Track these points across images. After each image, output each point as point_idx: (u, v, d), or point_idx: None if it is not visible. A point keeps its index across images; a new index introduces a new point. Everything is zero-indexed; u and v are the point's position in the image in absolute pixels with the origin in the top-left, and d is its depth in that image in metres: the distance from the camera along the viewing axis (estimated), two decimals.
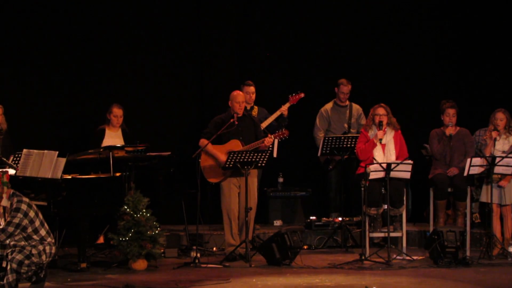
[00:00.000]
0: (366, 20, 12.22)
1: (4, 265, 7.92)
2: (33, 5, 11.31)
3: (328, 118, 11.36)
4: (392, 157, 9.89)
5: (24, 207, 7.97)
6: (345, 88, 11.26)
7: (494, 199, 9.77)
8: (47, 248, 7.97)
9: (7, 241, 7.96)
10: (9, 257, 7.89)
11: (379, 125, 9.95)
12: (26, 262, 7.87)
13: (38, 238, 7.93)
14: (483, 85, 12.06)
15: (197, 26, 12.00)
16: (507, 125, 9.98)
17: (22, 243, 7.95)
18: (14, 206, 7.94)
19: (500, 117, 9.95)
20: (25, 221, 7.92)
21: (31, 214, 7.99)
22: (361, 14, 12.23)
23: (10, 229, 7.88)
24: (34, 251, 7.89)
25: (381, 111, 9.99)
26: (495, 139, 9.92)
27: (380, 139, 9.93)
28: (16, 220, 7.89)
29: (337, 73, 11.66)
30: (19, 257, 7.86)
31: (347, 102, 11.37)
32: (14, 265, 7.83)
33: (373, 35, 12.22)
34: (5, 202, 7.97)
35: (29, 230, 7.93)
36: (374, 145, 9.95)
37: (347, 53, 12.22)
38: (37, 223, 7.99)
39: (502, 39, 12.08)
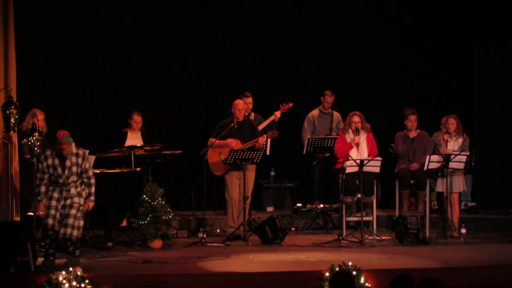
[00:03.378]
0: (345, 41, 12.15)
1: (57, 228, 8.11)
2: (67, 27, 11.25)
3: (314, 122, 11.31)
4: (364, 155, 9.89)
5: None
6: (330, 98, 11.24)
7: (446, 188, 9.77)
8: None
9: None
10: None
11: (356, 131, 9.92)
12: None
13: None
14: (439, 96, 12.06)
15: (204, 46, 11.89)
16: (457, 129, 9.94)
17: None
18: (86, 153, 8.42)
19: (452, 122, 9.91)
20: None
21: None
22: (341, 37, 12.15)
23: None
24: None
25: (356, 119, 9.97)
26: (447, 141, 9.89)
27: (357, 143, 9.92)
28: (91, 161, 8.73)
29: (320, 85, 11.67)
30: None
31: (330, 110, 11.33)
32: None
33: (351, 54, 12.15)
34: (75, 150, 8.27)
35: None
36: (351, 147, 9.94)
37: (328, 68, 12.15)
38: None
39: (456, 58, 12.06)
